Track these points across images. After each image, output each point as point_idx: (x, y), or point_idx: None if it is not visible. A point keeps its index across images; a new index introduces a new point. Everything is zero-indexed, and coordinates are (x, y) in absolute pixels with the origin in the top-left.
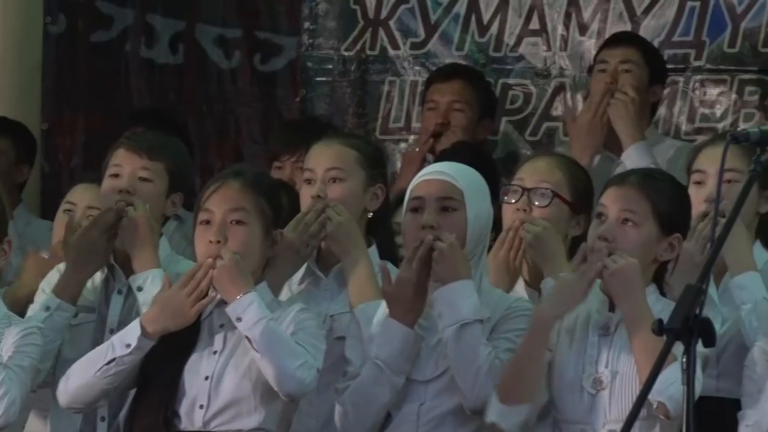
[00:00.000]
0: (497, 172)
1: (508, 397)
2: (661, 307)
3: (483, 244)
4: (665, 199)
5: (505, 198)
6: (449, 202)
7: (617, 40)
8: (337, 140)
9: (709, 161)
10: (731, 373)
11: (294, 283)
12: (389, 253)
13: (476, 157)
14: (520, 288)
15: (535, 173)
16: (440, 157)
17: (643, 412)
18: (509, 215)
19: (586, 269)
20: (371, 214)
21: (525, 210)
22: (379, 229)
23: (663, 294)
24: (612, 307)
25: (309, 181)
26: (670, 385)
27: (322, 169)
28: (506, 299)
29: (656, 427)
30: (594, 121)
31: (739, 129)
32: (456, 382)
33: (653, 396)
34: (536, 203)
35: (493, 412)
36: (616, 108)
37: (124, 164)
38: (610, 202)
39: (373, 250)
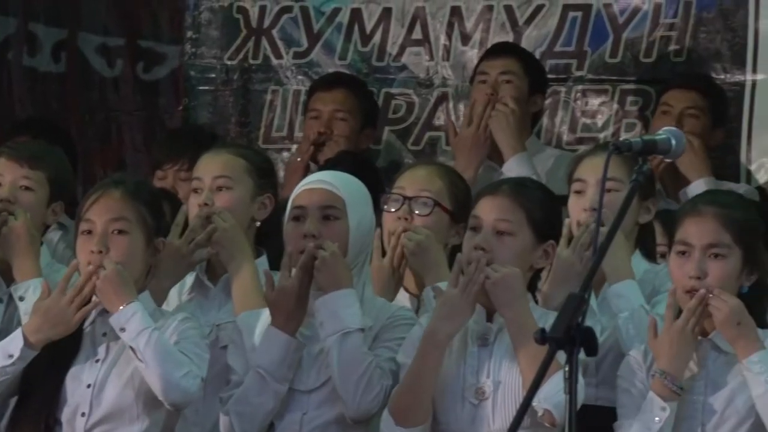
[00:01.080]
0: (380, 180)
1: (404, 419)
2: (538, 316)
3: (365, 253)
4: (538, 206)
5: (386, 207)
6: (331, 210)
7: (497, 50)
8: (226, 149)
9: (590, 171)
10: (610, 381)
11: (184, 291)
12: (279, 262)
13: (359, 166)
14: (402, 297)
15: (415, 182)
16: (323, 166)
17: (527, 421)
18: (390, 224)
19: (468, 282)
20: (259, 223)
21: (406, 219)
22: (269, 239)
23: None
24: (490, 317)
25: (196, 191)
26: (556, 393)
27: (210, 178)
28: (388, 308)
29: None
30: (477, 135)
31: (620, 139)
32: (338, 391)
33: (540, 404)
34: (417, 212)
35: None
36: (497, 119)
37: (5, 173)
38: (484, 212)
39: (263, 260)
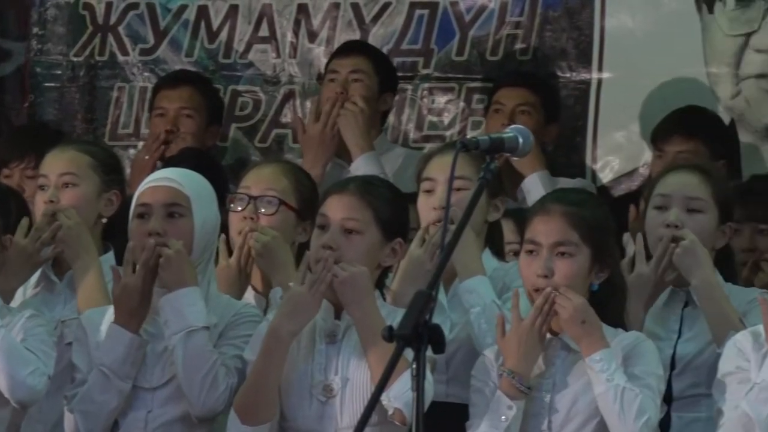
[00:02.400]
0: (225, 178)
1: (249, 417)
2: (386, 313)
3: (210, 251)
4: (386, 205)
5: (232, 206)
6: (176, 208)
7: (347, 49)
8: (71, 146)
9: (438, 169)
10: (461, 378)
11: (29, 286)
12: None
13: (204, 163)
14: (249, 296)
15: (261, 181)
16: (168, 164)
17: (374, 418)
18: (236, 223)
19: (315, 281)
20: (105, 219)
21: (252, 218)
22: (117, 235)
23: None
24: (338, 315)
25: (42, 188)
26: (405, 392)
27: (55, 175)
28: (234, 305)
29: None
30: (325, 132)
31: (468, 137)
32: (183, 389)
33: (390, 402)
34: (263, 211)
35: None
36: (346, 118)
37: None
38: (332, 210)
39: (110, 256)
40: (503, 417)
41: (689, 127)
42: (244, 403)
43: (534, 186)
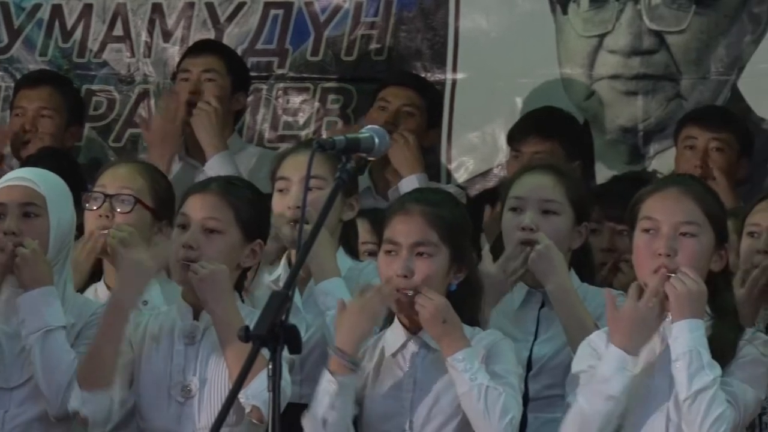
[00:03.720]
0: (82, 177)
1: (87, 382)
2: (245, 314)
3: (66, 250)
4: (246, 205)
5: (87, 205)
6: (31, 207)
7: (200, 48)
8: None
9: (293, 168)
10: (315, 379)
11: None
12: None
13: (60, 162)
14: (103, 293)
15: (116, 180)
16: (25, 163)
17: (232, 418)
18: (91, 222)
19: (177, 281)
20: None
21: (107, 216)
22: None
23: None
24: (197, 316)
25: None
26: (263, 390)
27: None
28: (91, 304)
29: None
30: (168, 128)
31: (322, 137)
32: (41, 389)
33: (248, 400)
34: (118, 209)
35: (75, 399)
36: (199, 118)
37: None
38: (193, 210)
39: None
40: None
41: (545, 128)
42: (83, 368)
43: (411, 187)
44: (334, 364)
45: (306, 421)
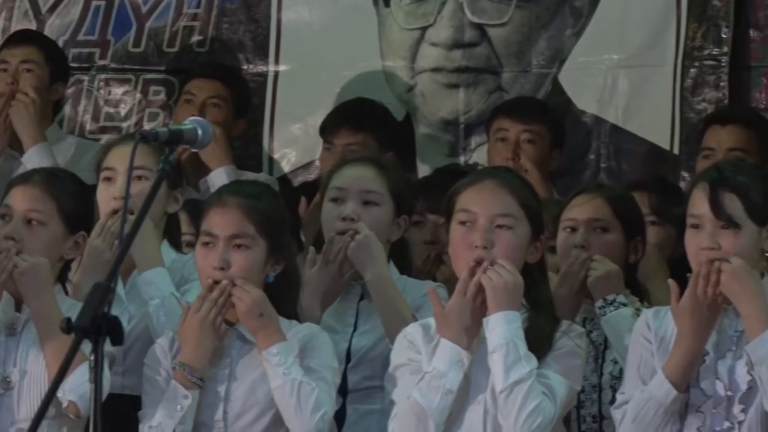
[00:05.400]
0: None
1: None
2: (68, 306)
3: None
4: (69, 197)
5: None
6: None
7: (18, 39)
8: None
9: (118, 159)
10: (137, 370)
11: None
12: None
13: None
14: None
15: None
16: None
17: (53, 411)
18: None
19: None
20: None
21: None
22: None
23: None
24: (18, 307)
25: None
26: (81, 384)
27: None
28: None
29: (65, 427)
30: None
31: (144, 128)
32: None
33: (64, 395)
34: None
35: None
36: (17, 109)
37: None
38: (16, 201)
39: None
40: (179, 406)
41: (356, 119)
42: None
43: (220, 179)
44: (180, 377)
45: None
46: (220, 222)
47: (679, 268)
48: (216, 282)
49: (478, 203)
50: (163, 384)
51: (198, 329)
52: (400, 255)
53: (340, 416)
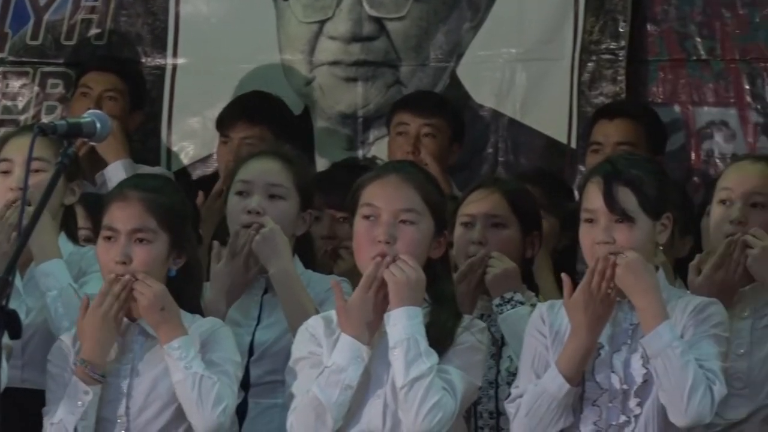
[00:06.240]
0: None
1: None
2: None
3: None
4: None
5: None
6: None
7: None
8: None
9: (15, 150)
10: (37, 363)
11: None
12: None
13: None
14: None
15: None
16: None
17: None
18: None
19: None
20: None
21: None
22: None
23: None
24: None
25: None
26: None
27: None
28: None
29: None
30: None
31: (42, 121)
32: None
33: None
34: None
35: None
36: None
37: None
38: None
39: None
40: (80, 402)
41: (253, 113)
42: None
43: (116, 173)
44: (80, 373)
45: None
46: (121, 216)
47: (562, 261)
48: (118, 276)
49: (381, 198)
50: (67, 380)
51: (99, 325)
52: (304, 249)
53: (241, 410)
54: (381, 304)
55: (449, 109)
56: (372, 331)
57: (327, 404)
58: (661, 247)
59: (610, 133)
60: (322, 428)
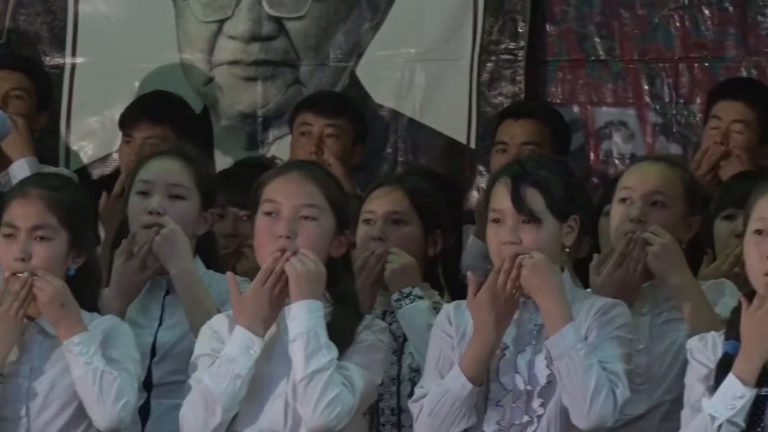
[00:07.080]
0: None
1: None
2: None
3: None
4: None
5: None
6: None
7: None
8: None
9: None
10: None
11: None
12: None
13: None
14: None
15: None
16: None
17: None
18: None
19: None
20: None
21: None
22: None
23: None
24: None
25: None
26: None
27: None
28: None
29: None
30: None
31: None
32: None
33: None
34: None
35: None
36: None
37: None
38: None
39: None
40: None
41: (156, 112)
42: None
43: (21, 171)
44: None
45: None
46: (21, 213)
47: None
48: (16, 275)
49: (283, 194)
50: None
51: (1, 324)
52: (206, 249)
53: (144, 411)
54: (278, 298)
55: (353, 109)
56: (267, 325)
57: (216, 393)
58: (568, 249)
59: (516, 133)
60: (211, 418)
